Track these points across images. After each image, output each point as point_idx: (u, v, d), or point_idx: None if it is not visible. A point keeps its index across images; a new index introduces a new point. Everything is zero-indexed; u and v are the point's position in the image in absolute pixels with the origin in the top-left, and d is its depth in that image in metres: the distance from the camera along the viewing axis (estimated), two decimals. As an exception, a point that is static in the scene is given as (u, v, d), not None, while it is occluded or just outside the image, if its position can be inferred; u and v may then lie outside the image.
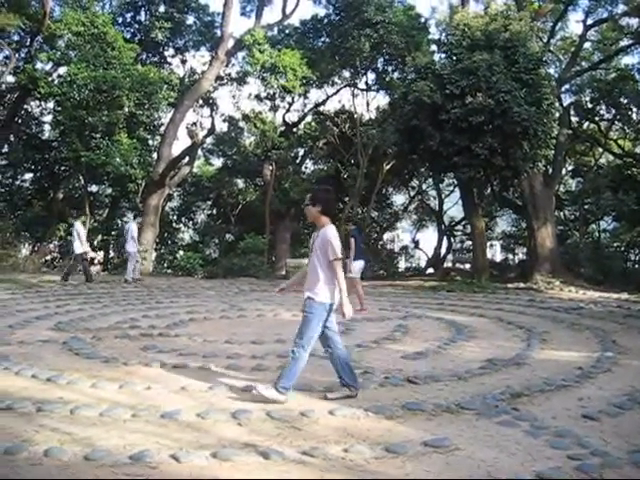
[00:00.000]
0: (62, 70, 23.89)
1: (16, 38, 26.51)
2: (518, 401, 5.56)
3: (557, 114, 19.72)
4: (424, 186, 33.55)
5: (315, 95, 29.27)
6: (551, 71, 23.28)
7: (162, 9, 27.47)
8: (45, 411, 5.04)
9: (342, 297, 5.62)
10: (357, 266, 12.31)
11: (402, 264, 32.60)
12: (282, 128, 28.50)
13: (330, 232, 5.67)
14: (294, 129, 29.84)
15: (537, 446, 4.44)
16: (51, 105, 26.35)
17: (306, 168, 33.00)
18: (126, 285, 17.41)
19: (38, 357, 7.22)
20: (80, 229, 17.70)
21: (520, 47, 17.98)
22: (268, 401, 5.29)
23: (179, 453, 4.11)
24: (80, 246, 17.46)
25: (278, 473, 3.88)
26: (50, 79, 23.57)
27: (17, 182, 30.85)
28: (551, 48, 24.41)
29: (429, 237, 35.92)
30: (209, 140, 30.41)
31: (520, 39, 18.05)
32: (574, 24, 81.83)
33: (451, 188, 31.42)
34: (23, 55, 26.42)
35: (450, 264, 30.79)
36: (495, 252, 34.16)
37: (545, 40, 23.39)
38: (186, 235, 35.83)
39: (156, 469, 3.92)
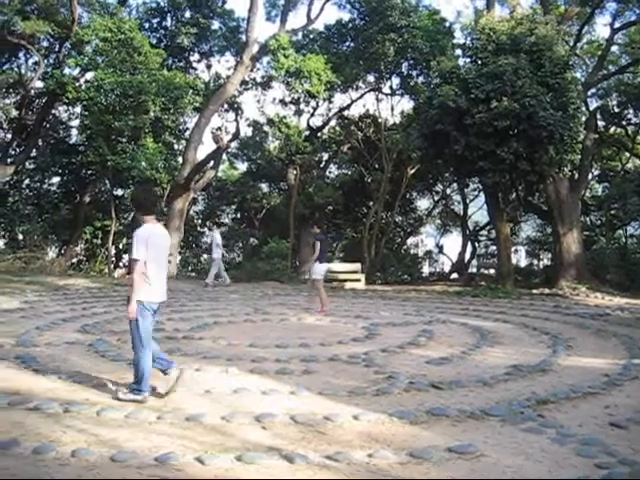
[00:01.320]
0: (89, 75, 24.15)
1: (45, 44, 26.89)
2: (544, 408, 5.52)
3: (583, 118, 19.49)
4: (448, 191, 33.38)
5: (339, 99, 29.23)
6: (577, 75, 23.07)
7: (188, 15, 27.67)
8: (72, 412, 5.11)
9: (131, 297, 5.77)
10: (321, 269, 12.98)
11: (426, 269, 32.42)
12: (306, 132, 28.54)
13: (137, 231, 5.95)
14: (318, 133, 29.85)
15: (564, 454, 4.40)
16: (78, 110, 26.65)
17: (330, 172, 33.00)
18: (207, 289, 18.15)
19: (65, 359, 7.32)
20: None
21: (546, 51, 17.84)
22: (134, 401, 5.51)
23: (204, 456, 4.14)
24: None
25: (303, 477, 3.89)
26: (78, 84, 23.83)
27: (45, 186, 31.24)
28: (577, 52, 24.19)
29: (453, 242, 35.72)
30: (234, 144, 30.52)
31: (546, 43, 17.91)
32: (601, 27, 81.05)
33: (476, 193, 31.23)
34: (52, 61, 26.77)
35: (474, 269, 30.60)
36: (520, 257, 33.87)
37: (571, 44, 23.17)
38: (208, 239, 35.99)
39: (181, 471, 3.96)
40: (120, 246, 29.64)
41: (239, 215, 34.32)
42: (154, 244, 5.92)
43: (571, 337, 9.66)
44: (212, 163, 26.52)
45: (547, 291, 18.62)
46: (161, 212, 26.60)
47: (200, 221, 34.54)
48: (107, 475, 3.85)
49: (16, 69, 26.83)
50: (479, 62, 18.56)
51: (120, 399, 5.53)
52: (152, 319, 5.91)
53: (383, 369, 6.97)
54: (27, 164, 29.02)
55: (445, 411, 5.31)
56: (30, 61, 27.25)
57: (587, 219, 28.61)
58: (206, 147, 27.28)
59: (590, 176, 27.71)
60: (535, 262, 32.94)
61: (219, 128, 28.91)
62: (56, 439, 4.47)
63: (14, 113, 26.98)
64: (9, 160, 26.21)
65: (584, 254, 21.14)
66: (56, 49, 26.80)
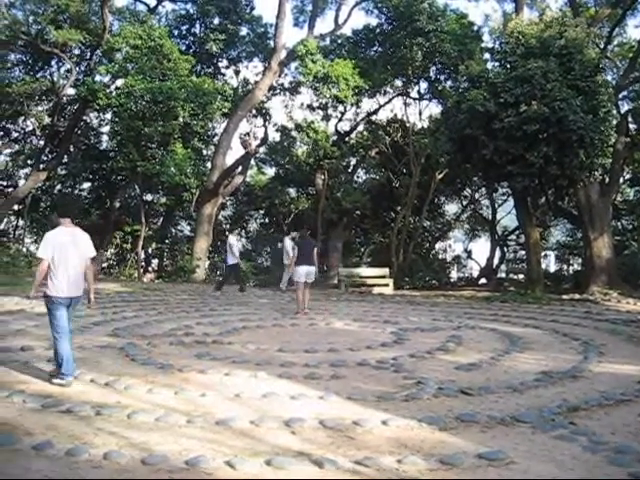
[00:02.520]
0: (120, 82, 24.45)
1: (77, 52, 27.37)
2: (575, 415, 5.46)
3: (614, 122, 19.25)
4: (477, 195, 33.16)
5: (367, 104, 29.26)
6: (608, 78, 22.79)
7: (216, 21, 27.91)
8: (103, 415, 5.18)
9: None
10: (299, 271, 13.27)
11: (454, 274, 32.23)
12: (334, 137, 28.59)
13: (47, 234, 6.78)
14: (346, 138, 29.88)
15: (596, 462, 4.35)
16: (109, 116, 26.99)
17: (358, 177, 33.00)
18: (281, 294, 18.40)
19: (96, 362, 7.41)
20: (234, 242, 19.13)
21: (576, 54, 17.66)
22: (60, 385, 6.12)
23: (234, 460, 4.17)
24: (233, 258, 18.80)
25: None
26: (108, 91, 24.15)
27: (76, 191, 31.71)
28: (608, 54, 23.88)
29: (482, 247, 35.48)
30: (262, 150, 30.65)
31: (576, 46, 17.73)
32: (632, 29, 79.90)
33: (504, 197, 30.96)
34: (83, 68, 27.21)
35: (503, 274, 30.37)
36: (549, 262, 33.53)
37: (602, 46, 22.90)
38: (239, 244, 36.12)
39: (211, 475, 3.99)
40: (149, 251, 29.91)
41: (267, 220, 34.43)
42: (59, 245, 6.53)
43: (602, 343, 9.53)
44: (240, 168, 26.69)
45: (577, 296, 18.38)
46: (190, 217, 26.81)
47: (229, 226, 34.73)
48: (138, 478, 3.90)
49: (49, 77, 27.33)
50: (508, 66, 18.45)
51: (53, 383, 6.19)
52: (65, 311, 6.54)
53: (412, 374, 6.95)
54: (59, 170, 29.51)
55: (474, 417, 5.28)
56: (62, 69, 27.78)
57: (618, 224, 28.22)
58: (234, 152, 27.50)
59: (621, 180, 27.29)
60: (565, 267, 32.59)
61: (247, 133, 29.11)
62: (88, 441, 4.53)
63: (47, 120, 27.44)
64: (42, 166, 26.65)
65: (615, 259, 20.85)
66: (87, 57, 27.26)
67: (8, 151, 29.64)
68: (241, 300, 16.27)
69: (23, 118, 28.66)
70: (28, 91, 24.90)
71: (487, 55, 23.23)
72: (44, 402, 5.45)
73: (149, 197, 29.98)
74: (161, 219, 32.32)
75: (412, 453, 4.40)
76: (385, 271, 22.52)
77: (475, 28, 25.45)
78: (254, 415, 5.21)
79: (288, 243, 19.63)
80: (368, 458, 4.24)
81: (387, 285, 21.24)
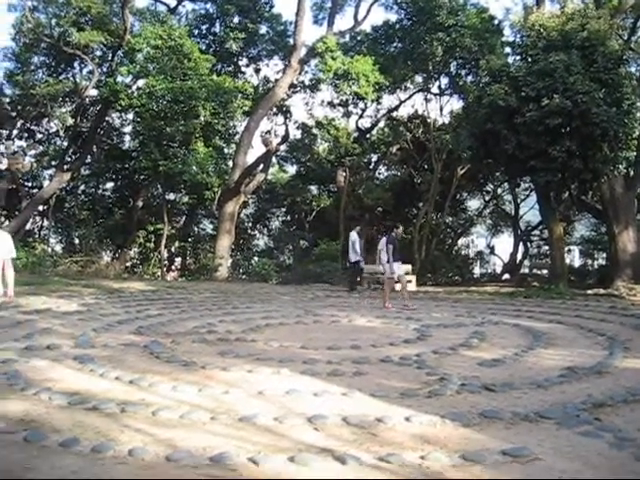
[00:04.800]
0: (141, 82, 24.67)
1: (99, 53, 27.64)
2: (600, 411, 5.39)
3: (639, 114, 19.03)
4: (499, 190, 32.97)
5: (388, 101, 29.24)
6: (632, 70, 22.49)
7: (236, 20, 28.00)
8: (128, 412, 5.22)
9: None
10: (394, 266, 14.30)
11: (477, 270, 32.11)
12: (355, 134, 28.60)
13: None
14: (367, 135, 29.88)
15: (622, 459, 4.29)
16: (131, 116, 27.24)
17: (379, 174, 33.02)
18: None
19: (121, 360, 7.48)
20: (356, 238, 18.90)
21: (599, 46, 17.47)
22: None
23: (257, 456, 4.18)
24: (356, 255, 18.71)
25: (355, 478, 3.90)
26: (130, 91, 24.38)
27: (99, 191, 32.06)
28: (632, 46, 23.54)
29: (505, 242, 35.27)
30: (283, 147, 30.75)
31: (599, 38, 17.54)
32: (657, 20, 78.61)
33: (527, 192, 30.73)
34: (105, 69, 27.42)
35: (527, 270, 30.15)
36: (574, 257, 33.22)
37: (625, 37, 22.60)
38: (261, 242, 36.30)
39: (235, 471, 4.01)
40: (172, 249, 30.11)
41: (289, 218, 34.53)
42: None
43: (628, 339, 9.41)
44: (262, 166, 26.79)
45: (602, 292, 18.21)
46: (212, 215, 26.88)
47: (250, 224, 34.86)
48: (163, 474, 3.93)
49: (72, 78, 27.58)
50: (529, 59, 18.32)
51: None
52: None
53: (435, 371, 6.93)
54: (82, 170, 29.84)
55: (498, 414, 5.25)
56: (85, 70, 28.00)
57: (644, 217, 27.88)
58: (256, 151, 27.57)
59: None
60: (589, 262, 32.26)
61: (268, 131, 29.20)
62: (114, 438, 4.57)
63: (70, 121, 27.71)
64: (65, 167, 26.95)
65: (641, 253, 20.61)
66: (109, 58, 27.47)
67: (33, 152, 29.97)
68: (264, 298, 16.33)
69: (47, 120, 28.96)
70: (52, 93, 25.15)
71: (508, 49, 23.01)
72: (70, 399, 5.51)
73: (171, 196, 30.18)
74: (184, 218, 32.52)
75: (435, 449, 4.38)
76: (408, 268, 22.44)
77: (495, 22, 25.30)
78: (277, 412, 5.22)
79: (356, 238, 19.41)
80: (391, 454, 4.23)
81: (410, 282, 21.15)
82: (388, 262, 14.31)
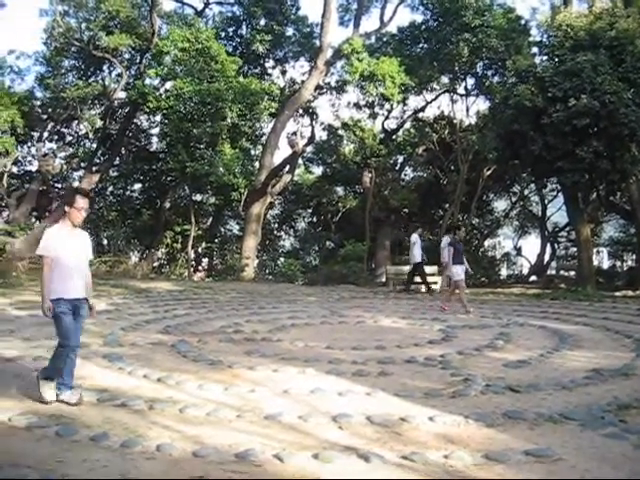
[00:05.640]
0: (169, 85, 24.90)
1: (127, 56, 27.97)
2: (626, 413, 5.37)
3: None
4: (526, 192, 32.72)
5: (414, 102, 29.21)
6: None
7: (262, 22, 28.11)
8: (156, 409, 5.35)
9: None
10: (459, 270, 13.52)
11: (504, 271, 31.91)
12: (381, 135, 28.59)
13: None
14: (393, 136, 29.86)
15: (646, 460, 4.30)
16: (159, 118, 27.50)
17: (405, 175, 32.96)
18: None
19: (149, 358, 7.61)
20: (417, 240, 18.93)
21: (627, 45, 17.28)
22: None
23: (282, 453, 4.26)
24: (417, 256, 18.70)
25: (379, 476, 3.96)
26: (158, 94, 24.59)
27: (127, 192, 32.43)
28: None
29: (532, 244, 35.01)
30: (309, 149, 30.79)
31: (627, 37, 17.35)
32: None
33: (554, 193, 30.49)
34: (133, 72, 27.78)
35: (554, 271, 29.91)
36: (602, 259, 32.87)
37: (656, 37, 22.35)
38: (287, 242, 36.42)
39: (261, 467, 4.09)
40: (199, 250, 30.35)
41: (315, 219, 34.57)
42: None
43: (656, 341, 9.34)
44: (288, 167, 26.88)
45: (631, 294, 18.02)
46: (239, 216, 27.03)
47: (277, 225, 34.99)
48: (190, 469, 4.02)
49: (101, 81, 27.97)
50: (556, 60, 18.19)
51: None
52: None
53: (459, 371, 6.95)
54: (111, 172, 30.17)
55: (522, 414, 5.26)
56: (113, 73, 28.42)
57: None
58: (282, 152, 27.73)
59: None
60: (618, 264, 31.90)
61: (294, 133, 29.30)
62: (142, 434, 4.69)
63: (99, 123, 28.09)
64: (94, 168, 27.28)
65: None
66: (137, 61, 27.83)
67: (63, 154, 30.45)
68: (290, 298, 16.41)
69: (77, 122, 29.41)
70: (81, 96, 25.54)
71: (535, 49, 22.89)
72: (100, 396, 5.64)
73: (198, 197, 30.39)
74: (210, 219, 32.74)
75: (459, 449, 4.42)
76: (434, 269, 22.39)
77: (522, 22, 25.12)
78: (302, 410, 5.29)
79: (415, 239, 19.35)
80: (415, 453, 4.28)
81: (436, 283, 21.12)
82: (449, 264, 13.95)
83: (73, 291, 5.61)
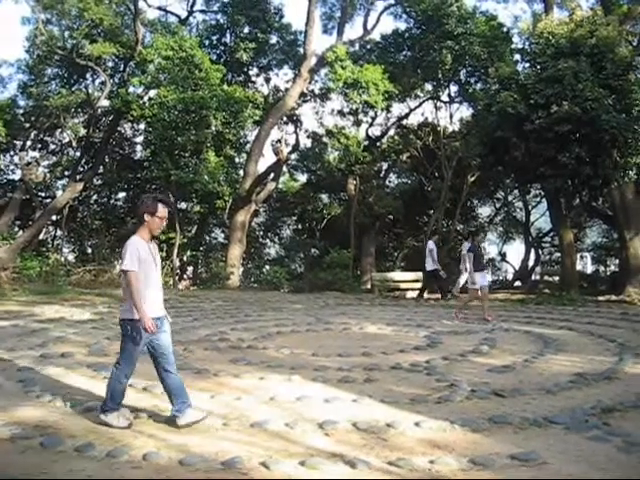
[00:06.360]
0: (153, 93, 24.84)
1: (111, 64, 27.91)
2: (609, 416, 5.43)
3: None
4: (510, 197, 32.95)
5: (398, 109, 29.35)
6: (642, 76, 22.45)
7: (246, 30, 28.15)
8: (142, 418, 5.34)
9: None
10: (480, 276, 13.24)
11: (489, 277, 32.07)
12: (365, 142, 28.66)
13: None
14: (377, 143, 29.96)
15: (630, 463, 4.34)
16: (143, 127, 27.44)
17: (390, 182, 33.11)
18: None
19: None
20: (433, 247, 18.80)
21: (608, 53, 17.46)
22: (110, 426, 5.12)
23: (269, 461, 4.27)
24: (432, 264, 18.50)
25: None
26: (142, 102, 24.54)
27: (112, 201, 32.29)
28: (642, 52, 23.55)
29: (516, 249, 35.24)
30: (294, 156, 30.83)
31: (608, 44, 17.53)
32: (667, 26, 78.38)
33: (538, 199, 30.73)
34: (117, 80, 27.70)
35: (538, 277, 30.09)
36: (586, 264, 33.11)
37: (635, 44, 22.58)
38: (272, 250, 36.39)
39: (247, 475, 4.09)
40: (184, 258, 30.24)
41: (300, 226, 34.58)
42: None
43: (639, 345, 9.42)
44: (272, 175, 26.88)
45: (614, 298, 18.14)
46: (223, 224, 27.00)
47: (262, 233, 34.96)
48: (177, 478, 4.02)
49: (84, 90, 27.83)
50: (538, 67, 18.33)
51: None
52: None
53: (445, 377, 6.98)
54: (95, 180, 30.03)
55: (507, 419, 5.30)
56: (97, 81, 28.34)
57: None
58: (266, 160, 27.75)
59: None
60: (602, 269, 32.15)
61: (279, 140, 29.30)
62: (128, 443, 4.67)
63: (82, 132, 27.98)
64: (78, 177, 27.15)
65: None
66: (121, 69, 27.78)
67: (46, 163, 30.29)
68: (275, 306, 16.39)
69: (60, 130, 29.28)
70: (64, 104, 25.42)
71: (517, 56, 23.05)
72: (85, 406, 5.62)
73: (183, 205, 30.32)
74: (195, 227, 32.65)
75: (444, 454, 4.45)
76: (419, 275, 22.46)
77: (504, 30, 25.30)
78: (288, 418, 5.29)
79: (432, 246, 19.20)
80: (401, 459, 4.30)
81: (420, 289, 21.19)
82: (468, 271, 13.61)
83: (158, 308, 5.40)
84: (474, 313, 13.68)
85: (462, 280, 18.12)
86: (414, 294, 20.59)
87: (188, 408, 5.22)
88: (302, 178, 33.30)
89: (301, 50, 27.00)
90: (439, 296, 19.19)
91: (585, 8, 20.57)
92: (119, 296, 17.00)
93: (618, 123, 16.46)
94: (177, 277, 27.03)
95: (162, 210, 5.31)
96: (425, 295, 19.61)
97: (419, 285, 21.36)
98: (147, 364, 7.78)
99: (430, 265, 18.53)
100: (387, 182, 32.52)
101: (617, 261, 27.33)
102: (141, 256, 5.21)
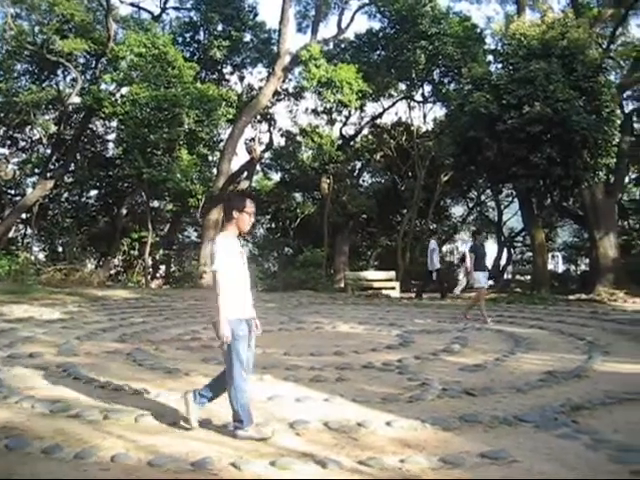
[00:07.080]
0: (125, 90, 24.60)
1: (82, 61, 27.60)
2: (578, 414, 5.47)
3: (618, 121, 19.20)
4: (483, 197, 33.23)
5: (371, 108, 29.44)
6: (612, 78, 22.75)
7: (220, 28, 28.04)
8: (111, 419, 5.26)
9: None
10: (481, 276, 13.18)
11: (461, 276, 32.28)
12: (339, 142, 28.69)
13: None
14: (351, 142, 30.00)
15: (598, 460, 4.37)
16: (115, 124, 27.14)
17: (363, 181, 33.18)
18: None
19: (104, 367, 7.48)
20: (435, 247, 18.92)
21: (578, 54, 17.70)
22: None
23: (239, 461, 4.23)
24: (436, 263, 18.66)
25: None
26: (114, 99, 24.31)
27: (83, 199, 31.91)
28: (612, 54, 23.85)
29: (488, 249, 35.45)
30: (267, 155, 30.80)
31: (578, 46, 17.77)
32: (635, 28, 79.59)
33: (510, 199, 31.02)
34: (89, 77, 27.38)
35: (510, 276, 30.36)
36: (557, 263, 33.50)
37: (605, 46, 22.91)
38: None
39: (217, 476, 4.05)
40: (157, 257, 30.02)
41: (273, 225, 34.53)
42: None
43: (608, 343, 9.52)
44: (246, 174, 26.81)
45: (584, 297, 18.37)
46: (196, 223, 26.89)
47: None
48: (146, 479, 3.97)
49: (55, 86, 27.51)
50: (510, 68, 18.51)
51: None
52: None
53: (416, 376, 6.99)
54: (66, 178, 29.68)
55: (478, 417, 5.31)
56: (68, 78, 27.99)
57: (625, 223, 28.19)
58: (240, 158, 27.61)
59: (627, 179, 27.28)
60: (572, 268, 32.55)
61: (252, 139, 29.23)
62: (96, 445, 4.60)
63: (53, 129, 27.61)
64: (49, 174, 26.83)
65: (622, 259, 20.83)
66: (93, 65, 27.48)
67: (15, 160, 29.87)
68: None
69: (30, 127, 28.82)
70: (35, 100, 25.05)
71: (490, 57, 23.27)
72: (53, 407, 5.52)
73: (156, 204, 30.12)
74: (168, 225, 32.45)
75: (415, 453, 4.45)
76: (391, 274, 22.56)
77: (478, 30, 25.54)
78: (259, 417, 5.25)
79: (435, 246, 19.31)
80: (371, 458, 4.29)
81: (394, 288, 21.28)
82: (471, 271, 13.38)
83: (249, 309, 5.18)
84: (474, 314, 13.69)
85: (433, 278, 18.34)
86: (387, 293, 20.62)
87: (200, 403, 5.15)
88: (276, 177, 33.28)
89: (275, 49, 26.91)
90: (439, 296, 19.20)
91: (556, 10, 20.87)
92: (90, 295, 16.86)
93: (588, 124, 16.69)
94: (149, 276, 26.81)
95: (250, 206, 5.14)
96: (424, 295, 19.57)
97: (392, 284, 21.44)
98: (116, 363, 7.74)
99: (431, 265, 18.65)
100: (361, 181, 32.62)
101: (587, 260, 27.69)
102: (232, 254, 5.07)
